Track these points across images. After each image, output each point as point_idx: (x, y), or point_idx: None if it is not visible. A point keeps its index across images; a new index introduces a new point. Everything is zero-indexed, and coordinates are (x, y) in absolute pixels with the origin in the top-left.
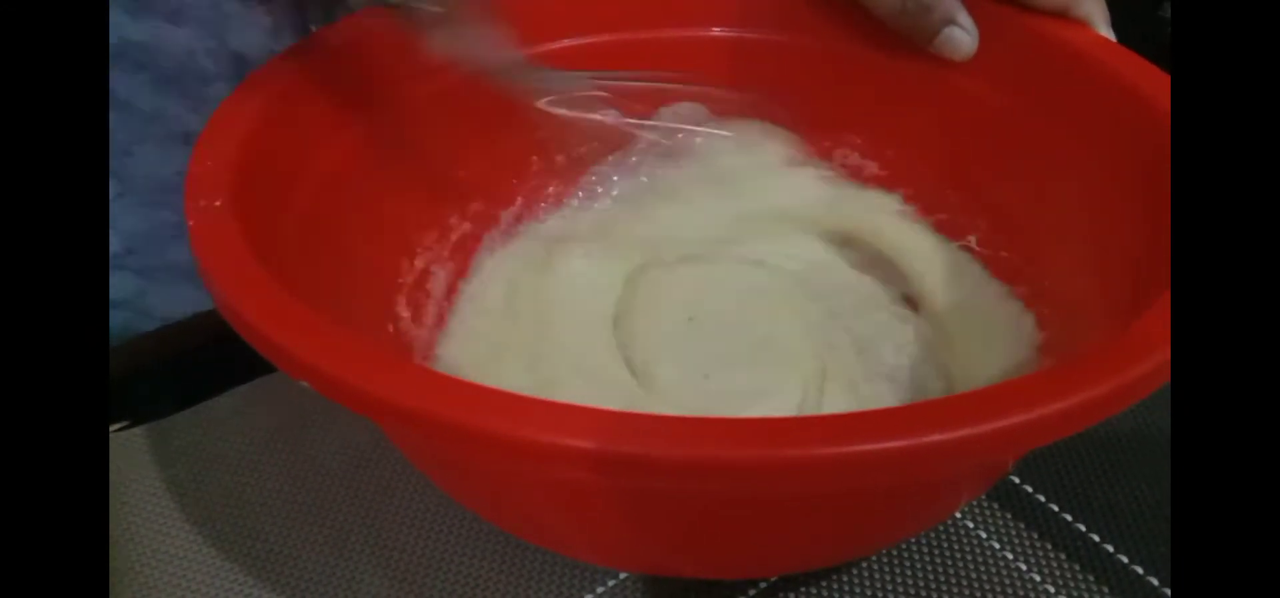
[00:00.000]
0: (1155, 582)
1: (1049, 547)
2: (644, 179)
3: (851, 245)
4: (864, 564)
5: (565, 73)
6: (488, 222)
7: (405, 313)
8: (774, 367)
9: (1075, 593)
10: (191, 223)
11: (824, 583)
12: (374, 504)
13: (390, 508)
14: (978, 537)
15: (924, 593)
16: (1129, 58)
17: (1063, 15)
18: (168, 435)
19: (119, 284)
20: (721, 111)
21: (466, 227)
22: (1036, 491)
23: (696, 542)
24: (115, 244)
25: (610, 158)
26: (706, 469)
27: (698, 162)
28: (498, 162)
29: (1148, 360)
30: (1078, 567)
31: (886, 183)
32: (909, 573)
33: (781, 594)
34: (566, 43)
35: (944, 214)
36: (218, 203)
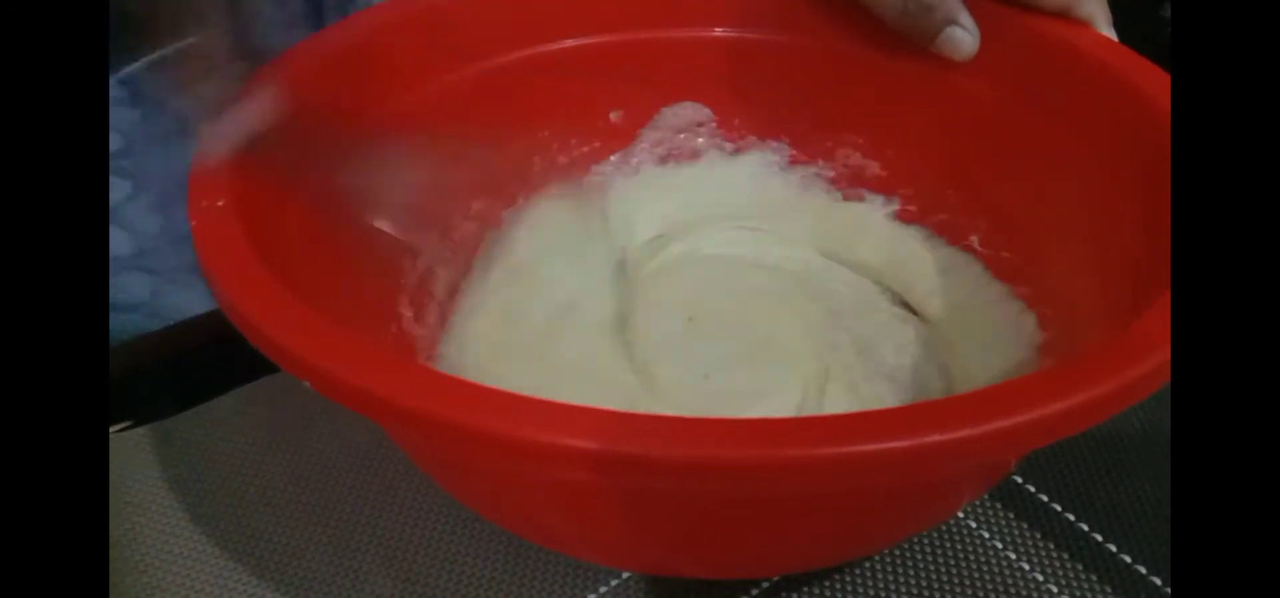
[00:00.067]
0: (1158, 582)
1: (1051, 547)
2: (645, 179)
3: (852, 246)
4: (865, 564)
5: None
6: (490, 222)
7: (407, 313)
8: (774, 367)
9: (1078, 593)
10: (194, 223)
11: (825, 583)
12: (377, 503)
13: (393, 507)
14: (980, 536)
15: (926, 593)
16: (1130, 57)
17: (1064, 15)
18: (169, 435)
19: (132, 285)
20: (723, 115)
21: (469, 227)
22: (1039, 490)
23: (697, 542)
24: (129, 245)
25: (612, 158)
26: (707, 469)
27: (698, 162)
28: (500, 161)
29: (1148, 360)
30: (1080, 567)
31: (887, 183)
32: (911, 573)
33: (782, 594)
34: (567, 43)
35: (944, 214)
36: (221, 203)
